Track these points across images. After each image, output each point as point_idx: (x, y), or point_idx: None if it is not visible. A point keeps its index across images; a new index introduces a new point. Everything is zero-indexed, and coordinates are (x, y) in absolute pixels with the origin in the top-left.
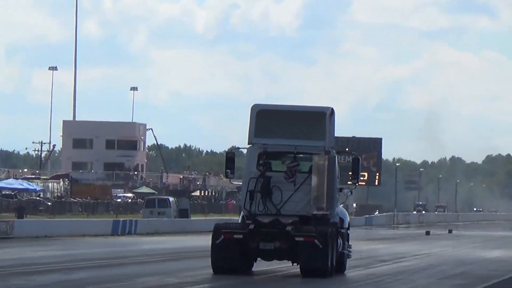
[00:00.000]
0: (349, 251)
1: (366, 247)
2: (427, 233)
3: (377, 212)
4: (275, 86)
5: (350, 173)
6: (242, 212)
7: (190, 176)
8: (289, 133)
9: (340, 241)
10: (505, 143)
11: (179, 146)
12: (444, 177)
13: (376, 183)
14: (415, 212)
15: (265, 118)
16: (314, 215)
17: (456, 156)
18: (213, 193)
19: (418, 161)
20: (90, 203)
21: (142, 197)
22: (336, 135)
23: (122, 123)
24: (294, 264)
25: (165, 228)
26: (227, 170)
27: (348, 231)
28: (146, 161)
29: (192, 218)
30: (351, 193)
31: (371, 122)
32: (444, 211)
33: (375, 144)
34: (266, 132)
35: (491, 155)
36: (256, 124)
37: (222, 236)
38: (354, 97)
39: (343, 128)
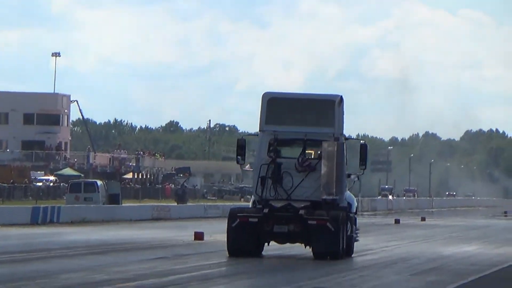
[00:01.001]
0: (357, 235)
1: None
2: (397, 221)
3: None
4: (220, 51)
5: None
6: (252, 197)
7: (120, 156)
8: (299, 121)
9: (348, 225)
10: (487, 116)
11: (109, 121)
12: (416, 156)
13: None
14: (380, 198)
15: (276, 106)
16: (324, 200)
17: (430, 132)
18: (148, 176)
19: (386, 138)
20: (6, 187)
21: (65, 181)
22: None
23: (42, 94)
24: (307, 247)
25: (92, 216)
26: (238, 157)
27: (356, 216)
28: (70, 138)
29: (123, 205)
30: (358, 179)
31: (332, 92)
32: (414, 196)
33: None
34: (276, 119)
35: (471, 130)
36: (267, 112)
37: (238, 220)
38: (312, 63)
39: None
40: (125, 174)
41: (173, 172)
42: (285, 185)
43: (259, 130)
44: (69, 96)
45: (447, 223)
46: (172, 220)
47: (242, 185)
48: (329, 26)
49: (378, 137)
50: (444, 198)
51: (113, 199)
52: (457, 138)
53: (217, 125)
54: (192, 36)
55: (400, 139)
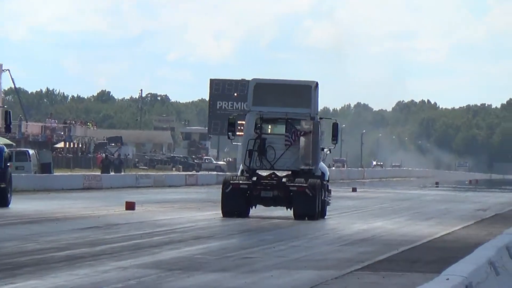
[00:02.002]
0: (329, 199)
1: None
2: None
3: None
4: (152, 21)
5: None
6: (241, 166)
7: (52, 125)
8: (281, 102)
9: (322, 191)
10: (419, 87)
11: (41, 90)
12: (348, 127)
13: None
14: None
15: (261, 90)
16: (302, 169)
17: (362, 103)
18: (80, 145)
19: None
20: None
21: None
22: (222, 77)
23: None
24: (288, 209)
25: (23, 185)
26: (229, 133)
27: (328, 183)
28: (2, 107)
29: (55, 174)
30: (330, 152)
31: (264, 62)
32: (344, 166)
33: None
34: (262, 101)
35: (402, 101)
36: (254, 95)
37: (231, 186)
38: (244, 33)
39: (230, 70)
40: (56, 143)
41: (105, 141)
42: (269, 157)
43: (247, 111)
44: (1, 65)
45: (378, 194)
46: (104, 190)
47: (173, 155)
48: None
49: None
50: (371, 168)
51: (45, 168)
52: (389, 109)
53: (149, 95)
54: (123, 6)
55: (331, 110)
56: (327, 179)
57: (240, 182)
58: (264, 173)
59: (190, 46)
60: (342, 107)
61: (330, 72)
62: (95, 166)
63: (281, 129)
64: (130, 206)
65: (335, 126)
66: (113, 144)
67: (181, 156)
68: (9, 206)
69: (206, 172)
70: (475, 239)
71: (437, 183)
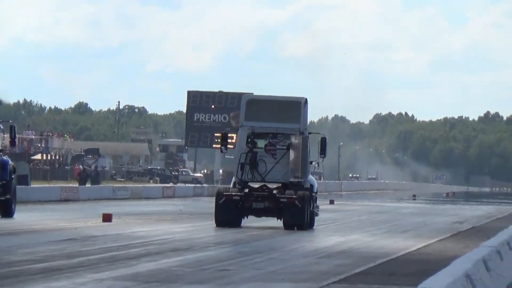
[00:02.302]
0: (317, 211)
1: None
2: None
3: None
4: (131, 32)
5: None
6: (233, 179)
7: (29, 136)
8: (272, 118)
9: (311, 202)
10: (396, 99)
11: (18, 101)
12: (311, 136)
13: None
14: None
15: (253, 106)
16: (291, 182)
17: (339, 115)
18: (57, 157)
19: None
20: None
21: None
22: (200, 89)
23: None
24: (279, 219)
25: None
26: (221, 147)
27: (316, 195)
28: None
29: (32, 186)
30: (318, 165)
31: (243, 73)
32: (320, 179)
33: None
34: (253, 116)
35: (380, 114)
36: (246, 111)
37: (224, 197)
38: (223, 45)
39: (209, 80)
40: (34, 155)
41: (82, 153)
42: (260, 170)
43: (240, 126)
44: None
45: (355, 206)
46: (81, 202)
47: (151, 167)
48: (240, 8)
49: None
50: (347, 180)
51: (22, 180)
52: (366, 121)
53: (126, 107)
54: (102, 17)
55: (309, 122)
56: (316, 191)
57: (233, 193)
58: (255, 185)
59: (168, 57)
60: (319, 119)
61: (308, 84)
62: (72, 178)
63: (271, 144)
64: (107, 218)
65: (323, 141)
66: (90, 156)
67: (158, 168)
68: (13, 216)
69: (183, 184)
70: (452, 252)
71: (414, 196)
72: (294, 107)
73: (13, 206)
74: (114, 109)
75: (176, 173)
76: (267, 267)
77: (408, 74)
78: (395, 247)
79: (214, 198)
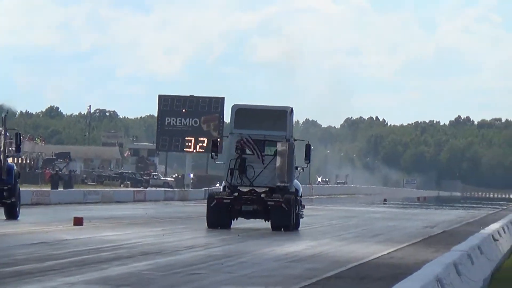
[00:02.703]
0: (302, 213)
1: (205, 225)
2: None
3: (218, 184)
4: (103, 36)
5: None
6: (223, 183)
7: None
8: (259, 126)
9: (296, 205)
10: (367, 103)
11: None
12: (297, 143)
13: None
14: None
15: (242, 115)
16: (278, 186)
17: (310, 119)
18: (28, 161)
19: None
20: None
21: None
22: (171, 93)
23: None
24: (266, 221)
25: None
26: (212, 153)
27: (301, 198)
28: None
29: None
30: (303, 170)
31: (213, 78)
32: None
33: (216, 104)
34: (242, 124)
35: (351, 118)
36: (235, 119)
37: (215, 201)
38: (194, 49)
39: (180, 85)
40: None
41: (53, 157)
42: (248, 175)
43: (229, 133)
44: None
45: (326, 210)
46: (52, 205)
47: (122, 171)
48: (212, 12)
49: None
50: (316, 185)
51: None
52: (337, 126)
53: (97, 110)
54: (73, 21)
55: None
56: (300, 195)
57: (224, 197)
58: (244, 189)
59: (139, 62)
60: None
61: (278, 88)
62: (43, 182)
63: (259, 151)
64: (78, 221)
65: (307, 147)
66: (61, 160)
67: (129, 172)
68: (18, 219)
69: (154, 188)
70: (423, 256)
71: (385, 200)
72: (281, 116)
73: (17, 209)
74: (85, 113)
75: (147, 177)
76: (238, 270)
77: (380, 78)
78: (366, 251)
79: (183, 202)
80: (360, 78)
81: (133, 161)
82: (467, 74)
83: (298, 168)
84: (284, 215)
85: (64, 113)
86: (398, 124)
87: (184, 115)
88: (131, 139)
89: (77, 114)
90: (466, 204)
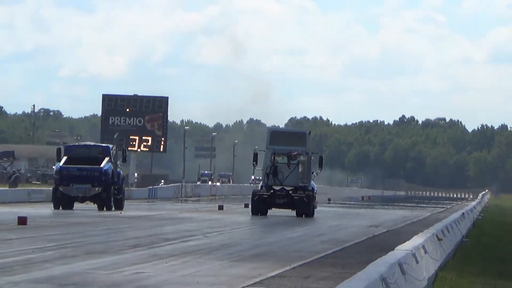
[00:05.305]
0: (316, 205)
1: (149, 223)
2: (220, 207)
3: (162, 183)
4: (45, 35)
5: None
6: (261, 183)
7: None
8: (287, 143)
9: (313, 199)
10: (311, 103)
11: None
12: (242, 143)
13: (161, 149)
14: (199, 183)
15: (275, 135)
16: (300, 185)
17: (254, 119)
18: None
19: (211, 124)
20: None
21: None
22: (115, 93)
23: None
24: (292, 210)
25: None
26: (254, 162)
27: (315, 194)
28: None
29: None
30: (317, 174)
31: (156, 78)
32: (229, 182)
33: (160, 103)
34: (275, 142)
35: (295, 117)
36: (270, 138)
37: (257, 196)
38: (136, 49)
39: (124, 84)
40: None
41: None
42: (279, 177)
43: (266, 148)
44: None
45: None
46: None
47: None
48: (155, 12)
49: (202, 123)
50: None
51: None
52: (282, 125)
53: (42, 110)
54: (16, 21)
55: (224, 126)
56: (316, 192)
57: (263, 193)
58: (277, 188)
59: (83, 61)
60: (234, 122)
61: (222, 88)
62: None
63: (287, 160)
64: (22, 221)
65: (321, 158)
66: (5, 159)
67: None
68: (123, 209)
69: None
70: (367, 256)
71: (329, 200)
72: (302, 136)
73: (123, 203)
74: (29, 112)
75: None
76: (182, 270)
77: (323, 78)
78: (311, 251)
79: (127, 201)
80: (304, 78)
81: None
82: (411, 74)
83: (314, 173)
84: (305, 206)
85: (8, 112)
86: (342, 124)
87: (128, 114)
88: (75, 138)
89: (21, 113)
90: (410, 204)
